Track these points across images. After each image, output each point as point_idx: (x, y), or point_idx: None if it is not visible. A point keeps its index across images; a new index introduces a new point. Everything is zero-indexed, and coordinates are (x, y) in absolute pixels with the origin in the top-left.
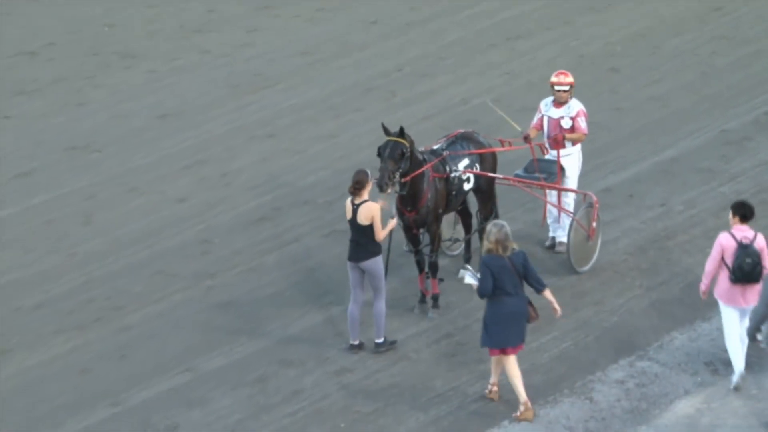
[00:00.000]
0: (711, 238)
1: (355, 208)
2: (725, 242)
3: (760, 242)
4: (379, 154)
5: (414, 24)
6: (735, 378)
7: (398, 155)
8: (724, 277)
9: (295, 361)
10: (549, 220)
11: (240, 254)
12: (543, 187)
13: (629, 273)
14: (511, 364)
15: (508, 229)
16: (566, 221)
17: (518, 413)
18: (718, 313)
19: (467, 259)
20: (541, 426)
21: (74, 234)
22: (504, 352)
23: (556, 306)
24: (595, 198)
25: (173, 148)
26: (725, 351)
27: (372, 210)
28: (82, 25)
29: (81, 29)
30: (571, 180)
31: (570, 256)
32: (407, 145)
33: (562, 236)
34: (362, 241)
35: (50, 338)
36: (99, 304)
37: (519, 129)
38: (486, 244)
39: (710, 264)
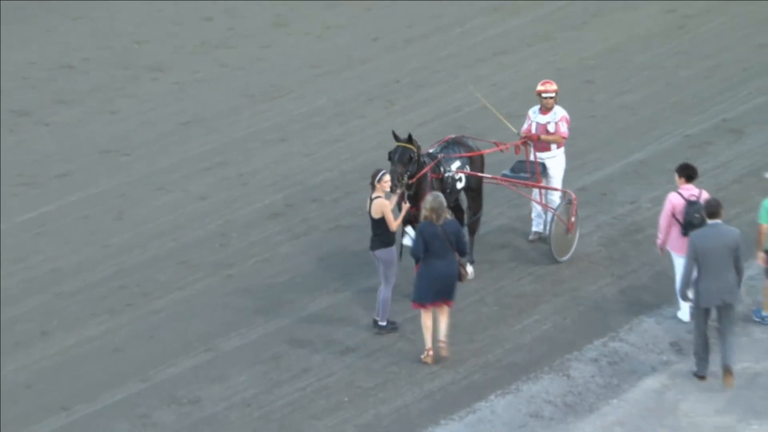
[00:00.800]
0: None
1: (370, 203)
2: (675, 200)
3: (705, 198)
4: (390, 158)
5: (411, 40)
6: (681, 313)
7: (407, 159)
8: (675, 231)
9: (304, 342)
10: (533, 215)
11: (255, 246)
12: (527, 186)
13: (602, 263)
14: (444, 312)
15: (442, 199)
16: (549, 216)
17: (441, 345)
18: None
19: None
20: (523, 400)
21: (107, 228)
22: (423, 306)
23: (464, 272)
24: (574, 196)
25: (196, 151)
26: (689, 332)
27: (381, 206)
28: (114, 41)
29: (113, 45)
30: (556, 179)
31: (551, 247)
32: (415, 150)
33: (547, 230)
34: (377, 233)
35: (86, 321)
36: (130, 290)
37: (515, 131)
38: (423, 212)
39: (663, 220)
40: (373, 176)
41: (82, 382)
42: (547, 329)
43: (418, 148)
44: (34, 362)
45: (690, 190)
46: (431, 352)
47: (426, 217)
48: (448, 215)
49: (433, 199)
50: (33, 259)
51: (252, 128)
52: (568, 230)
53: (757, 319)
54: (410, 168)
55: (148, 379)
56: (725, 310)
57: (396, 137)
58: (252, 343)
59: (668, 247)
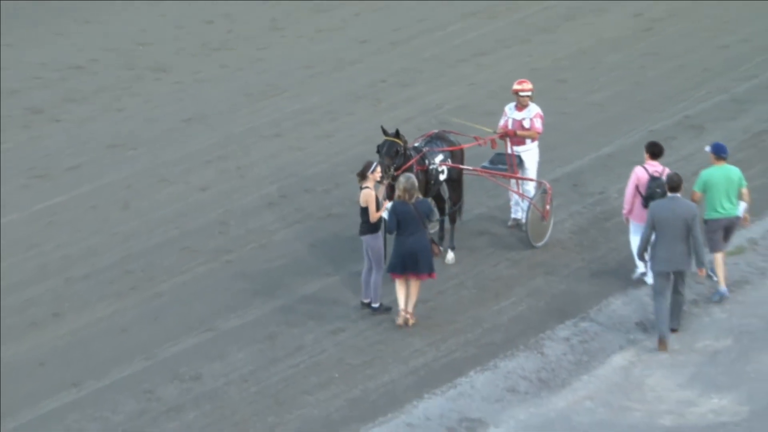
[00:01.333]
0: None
1: (360, 192)
2: (640, 174)
3: (667, 174)
4: (378, 151)
5: (397, 43)
6: (639, 272)
7: (394, 153)
8: (637, 202)
9: (298, 322)
10: (511, 203)
11: (253, 233)
12: (505, 177)
13: (574, 249)
14: (415, 285)
15: (414, 180)
16: (525, 204)
17: (407, 316)
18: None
19: (441, 237)
20: (501, 376)
21: (115, 217)
22: (407, 277)
23: (437, 250)
24: (548, 186)
25: (197, 146)
26: (653, 313)
27: (366, 196)
28: (121, 44)
29: (119, 47)
30: (531, 171)
31: (528, 233)
32: (401, 144)
33: (524, 217)
34: (363, 219)
35: (95, 304)
36: (135, 275)
37: (490, 131)
38: (397, 192)
39: (628, 192)
40: (364, 168)
41: (92, 360)
42: (523, 310)
43: (405, 142)
44: (46, 342)
45: (654, 166)
46: (404, 313)
47: (399, 197)
48: (419, 195)
49: (405, 180)
50: (45, 246)
51: (250, 124)
52: (543, 218)
53: (716, 300)
54: (397, 161)
55: (152, 357)
56: (677, 276)
57: (384, 132)
58: (249, 323)
59: (630, 216)
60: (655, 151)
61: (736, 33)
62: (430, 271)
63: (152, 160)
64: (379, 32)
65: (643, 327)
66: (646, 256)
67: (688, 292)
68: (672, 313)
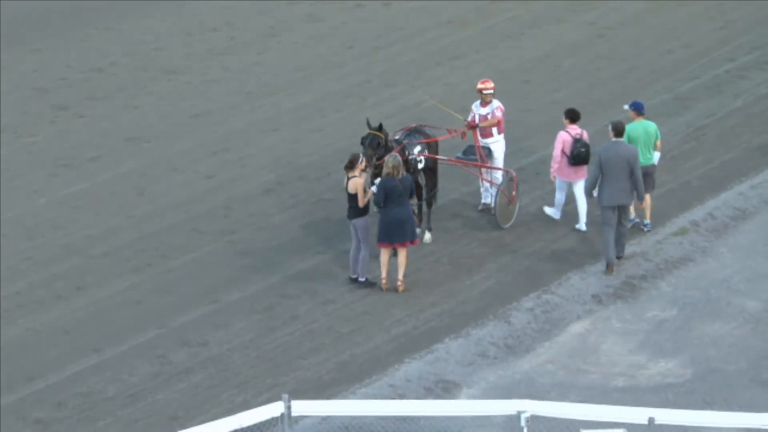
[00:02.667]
0: (595, 204)
1: (347, 181)
2: (565, 137)
3: (585, 136)
4: (362, 143)
5: (380, 48)
6: (581, 225)
7: (376, 144)
8: (564, 162)
9: (293, 295)
10: (481, 189)
11: (253, 216)
12: (476, 166)
13: (537, 229)
14: (402, 254)
15: (399, 159)
16: (494, 190)
17: (398, 284)
18: (601, 259)
19: (419, 219)
20: (472, 342)
21: (131, 202)
22: (393, 246)
23: (416, 219)
24: (515, 174)
25: (204, 139)
26: (607, 287)
27: (356, 183)
28: (137, 49)
29: (136, 52)
30: (499, 160)
31: (496, 215)
32: (383, 136)
33: (493, 201)
34: (352, 204)
35: (114, 278)
36: (149, 253)
37: (461, 118)
38: (385, 170)
39: (556, 154)
40: (350, 161)
41: (111, 329)
42: (492, 284)
43: (386, 135)
44: (71, 312)
45: (575, 130)
46: (384, 281)
47: (387, 174)
48: (404, 172)
49: (393, 159)
50: (71, 227)
51: (250, 120)
52: (510, 202)
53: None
54: (378, 151)
55: (164, 325)
56: (621, 210)
57: (369, 125)
58: (250, 296)
59: (557, 174)
60: (573, 116)
61: (679, 39)
62: (413, 238)
63: (164, 151)
64: (364, 39)
65: (599, 299)
66: (594, 193)
67: (638, 270)
68: (617, 243)
